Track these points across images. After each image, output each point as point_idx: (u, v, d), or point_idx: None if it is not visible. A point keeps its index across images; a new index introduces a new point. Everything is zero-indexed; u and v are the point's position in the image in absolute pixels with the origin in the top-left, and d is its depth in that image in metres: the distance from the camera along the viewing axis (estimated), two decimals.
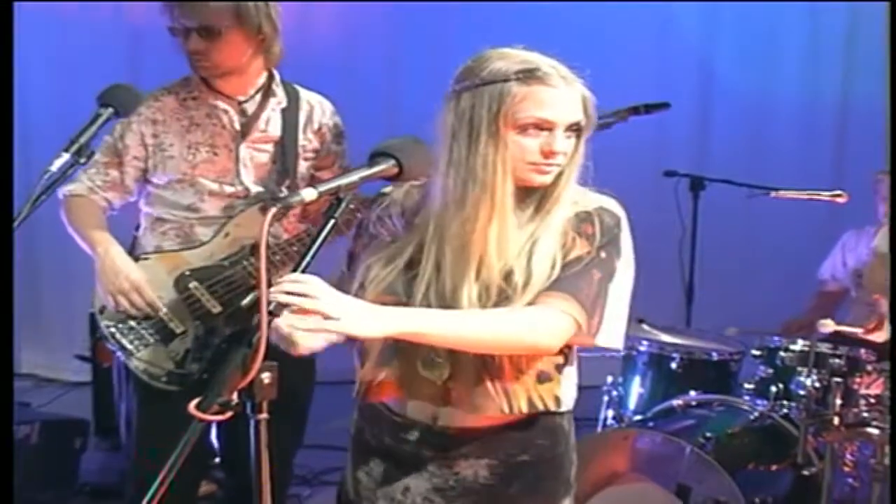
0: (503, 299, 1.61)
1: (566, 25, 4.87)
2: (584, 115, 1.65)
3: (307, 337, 1.48)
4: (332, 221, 1.42)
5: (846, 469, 3.01)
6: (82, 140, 1.60)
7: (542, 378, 1.69)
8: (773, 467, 3.06)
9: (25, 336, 5.51)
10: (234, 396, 1.31)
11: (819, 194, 3.63)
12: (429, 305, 1.63)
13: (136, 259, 2.49)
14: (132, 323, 2.46)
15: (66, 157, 1.58)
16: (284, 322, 1.42)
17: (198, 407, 1.27)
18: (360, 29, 5.65)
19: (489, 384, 1.65)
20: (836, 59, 5.60)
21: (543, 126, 1.61)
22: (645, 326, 3.50)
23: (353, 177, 1.44)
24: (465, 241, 1.61)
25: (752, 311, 3.73)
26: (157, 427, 2.34)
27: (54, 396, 4.99)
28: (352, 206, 1.45)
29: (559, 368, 1.71)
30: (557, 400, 1.71)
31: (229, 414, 1.30)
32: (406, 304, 1.63)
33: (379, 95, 5.37)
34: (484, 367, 1.65)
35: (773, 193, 3.76)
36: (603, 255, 1.65)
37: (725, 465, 2.77)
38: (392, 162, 1.47)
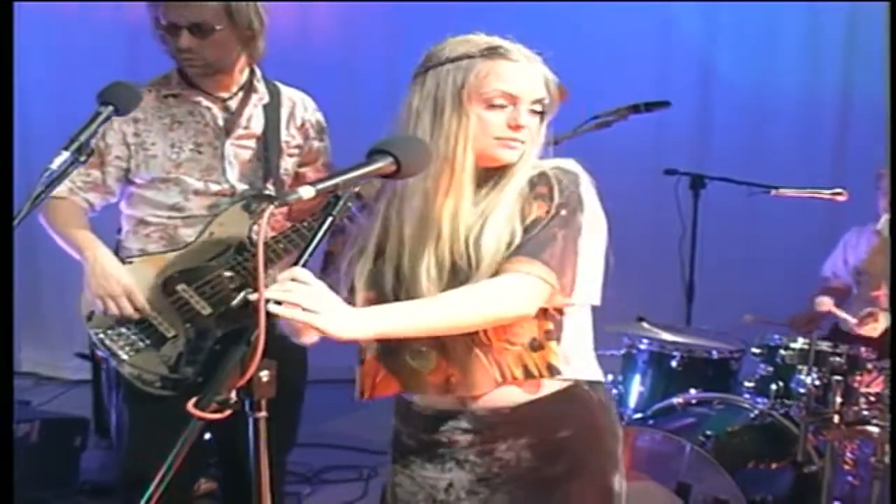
0: (457, 277, 1.61)
1: (566, 25, 4.88)
2: (547, 94, 1.67)
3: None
4: (329, 219, 1.41)
5: (846, 467, 3.01)
6: (83, 138, 1.59)
7: (534, 346, 1.67)
8: (774, 465, 3.06)
9: (25, 334, 5.52)
10: (233, 395, 1.31)
11: (819, 192, 3.63)
12: (397, 288, 1.64)
13: (122, 262, 2.44)
14: (122, 329, 2.42)
15: (66, 155, 1.57)
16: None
17: (196, 405, 1.27)
18: (359, 29, 5.65)
19: (483, 358, 1.65)
20: (835, 58, 5.59)
21: (508, 100, 1.64)
22: (645, 324, 3.50)
23: (352, 174, 1.43)
24: (424, 213, 1.63)
25: (753, 309, 3.71)
26: (150, 430, 2.31)
27: (54, 395, 5.01)
28: (349, 205, 1.45)
29: (550, 335, 1.68)
30: (550, 368, 1.68)
31: (227, 412, 1.30)
32: (382, 292, 1.65)
33: (379, 95, 5.36)
34: (475, 343, 1.64)
35: (773, 192, 3.75)
36: (563, 212, 1.64)
37: (726, 463, 2.77)
38: (390, 159, 1.46)
